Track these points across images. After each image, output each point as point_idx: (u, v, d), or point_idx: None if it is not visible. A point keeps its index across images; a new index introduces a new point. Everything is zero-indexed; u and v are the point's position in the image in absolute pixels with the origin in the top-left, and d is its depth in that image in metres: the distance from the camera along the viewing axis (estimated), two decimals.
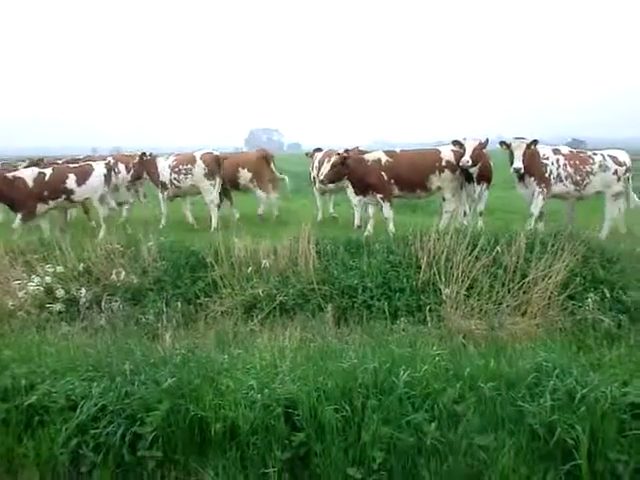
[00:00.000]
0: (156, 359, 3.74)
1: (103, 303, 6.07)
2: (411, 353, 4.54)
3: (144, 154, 11.59)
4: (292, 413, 3.12)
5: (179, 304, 6.13)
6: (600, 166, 8.82)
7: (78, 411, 3.28)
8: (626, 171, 9.06)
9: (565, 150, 9.03)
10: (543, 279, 5.26)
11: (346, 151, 9.79)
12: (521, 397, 2.84)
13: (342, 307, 6.02)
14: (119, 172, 12.01)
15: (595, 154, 9.04)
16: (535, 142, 8.54)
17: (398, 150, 9.80)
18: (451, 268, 5.81)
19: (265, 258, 6.56)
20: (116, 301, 6.14)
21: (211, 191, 11.01)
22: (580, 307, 5.37)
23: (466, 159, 8.74)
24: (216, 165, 11.14)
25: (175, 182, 11.20)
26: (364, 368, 3.41)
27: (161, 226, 10.75)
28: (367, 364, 3.49)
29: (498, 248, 5.67)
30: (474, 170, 9.11)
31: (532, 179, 8.59)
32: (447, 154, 9.28)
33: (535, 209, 8.53)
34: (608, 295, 5.60)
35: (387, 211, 9.33)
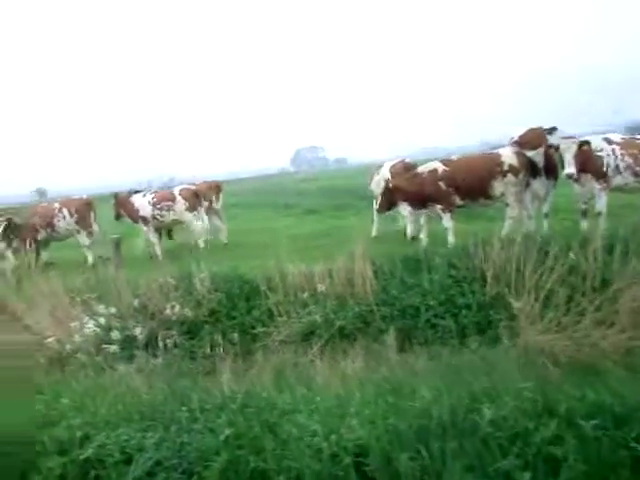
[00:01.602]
0: (213, 404, 3.51)
1: (159, 339, 5.98)
2: (490, 383, 4.14)
3: (116, 194, 12.25)
4: (362, 462, 2.79)
5: (235, 335, 5.96)
6: None
7: (133, 466, 3.06)
8: None
9: (617, 138, 8.25)
10: (631, 285, 4.70)
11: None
12: (635, 437, 2.38)
13: (405, 328, 5.67)
14: (64, 218, 12.03)
15: None
16: (587, 143, 7.81)
17: (455, 157, 9.34)
18: (522, 279, 5.35)
19: (320, 282, 6.31)
20: (172, 336, 6.03)
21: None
22: None
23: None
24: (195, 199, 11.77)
25: (158, 217, 11.71)
26: (439, 405, 3.04)
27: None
28: (442, 400, 3.11)
29: (571, 254, 5.14)
30: (541, 162, 8.53)
31: (589, 176, 7.92)
32: (509, 157, 8.72)
33: (602, 207, 7.88)
34: None
35: (447, 222, 8.90)
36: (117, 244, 9.29)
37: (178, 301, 6.42)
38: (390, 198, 9.22)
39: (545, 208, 8.86)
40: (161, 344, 5.84)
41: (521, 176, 8.65)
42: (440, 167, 8.96)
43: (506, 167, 8.64)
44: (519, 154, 8.68)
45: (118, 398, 3.87)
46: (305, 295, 6.21)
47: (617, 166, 7.94)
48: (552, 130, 8.50)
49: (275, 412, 3.30)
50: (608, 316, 4.58)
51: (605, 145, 8.03)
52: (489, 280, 5.49)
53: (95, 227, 12.14)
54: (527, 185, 8.79)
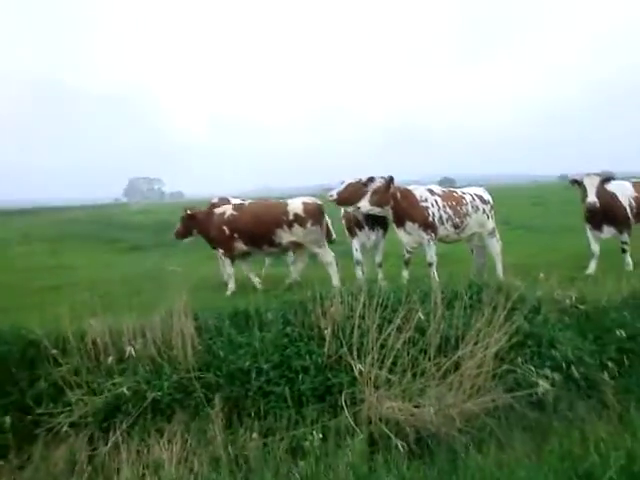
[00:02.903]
0: None
1: None
2: (326, 464, 3.48)
3: None
4: None
5: (7, 419, 4.52)
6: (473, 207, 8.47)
7: None
8: (491, 208, 8.86)
9: (439, 190, 8.49)
10: (475, 344, 4.43)
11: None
12: None
13: (233, 398, 4.80)
14: None
15: (464, 194, 8.65)
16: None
17: (247, 202, 9.40)
18: (361, 337, 4.84)
19: (131, 343, 5.16)
20: None
21: None
22: (511, 372, 4.63)
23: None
24: None
25: None
26: None
27: None
28: None
29: (420, 314, 4.77)
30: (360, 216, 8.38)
31: (416, 225, 7.96)
32: (296, 206, 8.75)
33: (433, 257, 7.96)
34: (536, 350, 4.99)
35: (227, 267, 9.09)
36: None
37: None
38: (187, 226, 9.32)
39: (378, 258, 8.73)
40: None
41: (309, 225, 8.65)
42: (229, 211, 8.99)
43: (291, 217, 8.66)
44: (308, 204, 8.75)
45: None
46: (110, 360, 5.01)
47: (440, 217, 8.09)
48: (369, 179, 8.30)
49: None
50: (453, 381, 4.23)
51: (429, 195, 8.15)
52: (328, 339, 4.88)
53: None
54: (354, 235, 8.69)
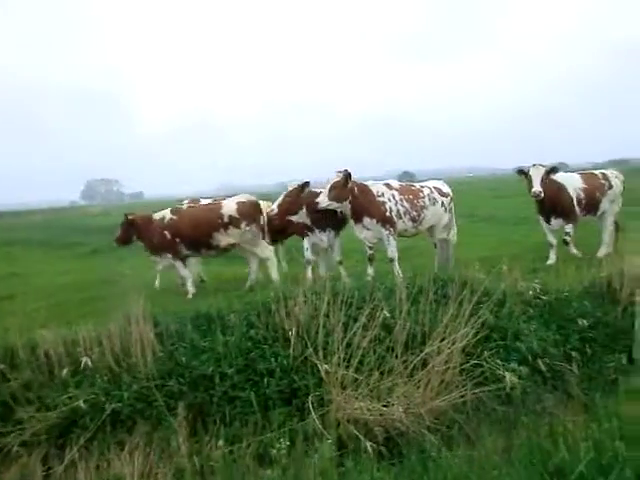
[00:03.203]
0: None
1: None
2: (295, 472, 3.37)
3: None
4: None
5: None
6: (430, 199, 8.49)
7: None
8: (450, 201, 8.92)
9: (396, 184, 8.43)
10: (442, 340, 4.37)
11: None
12: None
13: (197, 404, 4.62)
14: None
15: (422, 187, 8.65)
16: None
17: (185, 206, 9.46)
18: (326, 336, 4.73)
19: (87, 353, 4.92)
20: None
21: None
22: (478, 366, 4.61)
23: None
24: None
25: None
26: None
27: None
28: None
29: (385, 312, 4.69)
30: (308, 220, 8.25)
31: (374, 221, 7.89)
32: (230, 208, 8.79)
33: (394, 253, 7.91)
34: (502, 344, 4.99)
35: (182, 270, 9.00)
36: None
37: None
38: (127, 231, 9.10)
39: (337, 256, 8.61)
40: None
41: (244, 226, 8.71)
42: (168, 215, 8.90)
43: (226, 219, 8.70)
44: (243, 205, 8.80)
45: None
46: (65, 372, 4.77)
47: (398, 211, 8.05)
48: (304, 185, 8.25)
49: None
50: (421, 378, 4.17)
51: (386, 190, 8.11)
52: (293, 340, 4.76)
53: None
54: (306, 235, 8.53)
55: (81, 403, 4.48)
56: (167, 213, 8.94)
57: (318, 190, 8.05)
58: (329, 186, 7.65)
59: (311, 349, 4.64)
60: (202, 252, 9.01)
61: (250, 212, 8.75)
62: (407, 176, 60.80)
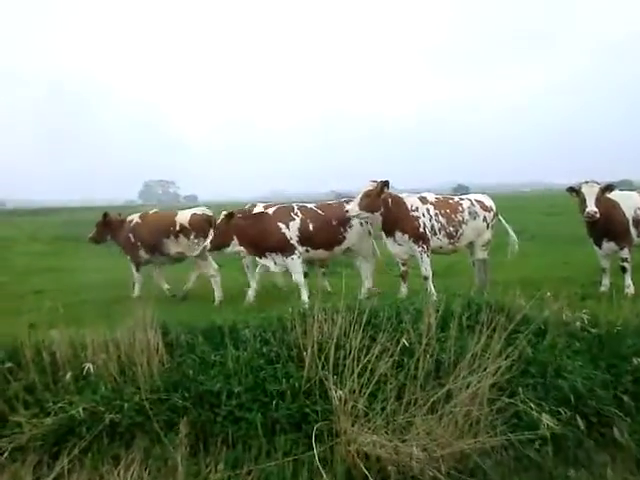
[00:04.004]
0: None
1: None
2: None
3: None
4: None
5: None
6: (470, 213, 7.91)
7: None
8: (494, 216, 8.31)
9: (432, 198, 7.92)
10: (471, 373, 3.87)
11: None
12: None
13: (200, 422, 4.30)
14: None
15: (462, 200, 8.11)
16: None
17: (152, 211, 9.61)
18: (343, 359, 4.31)
19: (93, 358, 4.70)
20: None
21: None
22: (510, 404, 4.07)
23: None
24: None
25: None
26: None
27: None
28: None
29: (404, 340, 4.23)
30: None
31: (406, 236, 7.43)
32: (183, 218, 8.88)
33: (428, 271, 7.41)
34: (541, 380, 4.42)
35: (136, 275, 9.29)
36: None
37: None
38: (101, 231, 9.54)
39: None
40: None
41: (192, 237, 8.76)
42: (135, 219, 9.24)
43: (178, 227, 8.82)
44: (195, 216, 8.87)
45: None
46: (68, 377, 4.56)
47: (432, 227, 7.55)
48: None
49: None
50: (443, 414, 3.68)
51: (420, 204, 7.62)
52: (307, 360, 4.37)
53: None
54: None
55: (80, 410, 4.24)
56: (136, 217, 9.27)
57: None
58: (362, 194, 7.24)
59: (326, 371, 4.24)
60: (157, 258, 9.21)
61: (201, 225, 8.82)
62: (462, 189, 59.83)
